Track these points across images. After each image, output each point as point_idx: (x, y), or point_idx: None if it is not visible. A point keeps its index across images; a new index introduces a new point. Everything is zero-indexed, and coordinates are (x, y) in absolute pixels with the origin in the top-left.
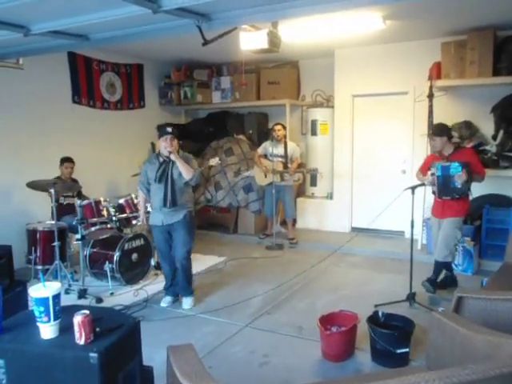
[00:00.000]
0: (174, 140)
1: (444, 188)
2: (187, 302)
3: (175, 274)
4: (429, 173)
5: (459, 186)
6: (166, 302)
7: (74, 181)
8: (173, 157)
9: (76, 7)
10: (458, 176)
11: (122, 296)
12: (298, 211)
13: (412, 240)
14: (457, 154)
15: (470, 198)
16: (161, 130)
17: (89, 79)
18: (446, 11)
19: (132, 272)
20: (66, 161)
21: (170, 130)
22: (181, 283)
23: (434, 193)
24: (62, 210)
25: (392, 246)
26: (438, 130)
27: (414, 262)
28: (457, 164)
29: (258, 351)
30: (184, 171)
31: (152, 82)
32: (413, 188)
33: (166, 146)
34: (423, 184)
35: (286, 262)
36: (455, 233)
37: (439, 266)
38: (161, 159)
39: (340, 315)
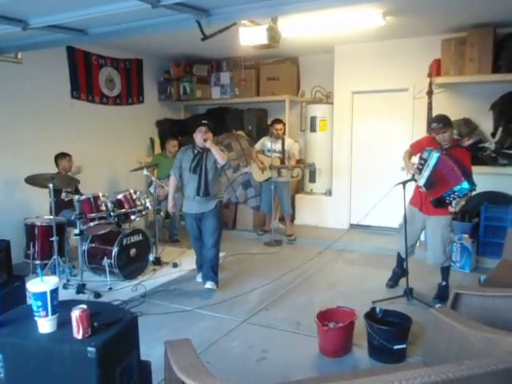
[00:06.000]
0: (208, 132)
1: (431, 184)
2: (209, 283)
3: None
4: (415, 160)
5: (453, 203)
6: (199, 277)
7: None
8: (208, 144)
9: (75, 1)
10: (460, 200)
11: (121, 291)
12: (296, 207)
13: (405, 235)
14: (454, 150)
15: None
16: (196, 122)
17: (88, 74)
18: (447, 8)
19: (130, 267)
20: (67, 155)
21: (204, 121)
22: (205, 270)
23: (415, 180)
24: (61, 205)
25: (390, 242)
26: (449, 120)
27: (410, 258)
28: (468, 184)
29: (256, 346)
30: (219, 157)
31: (151, 77)
32: (404, 183)
33: (201, 136)
34: (414, 179)
35: (284, 258)
36: (450, 235)
37: (444, 270)
38: (195, 151)
39: (337, 311)
